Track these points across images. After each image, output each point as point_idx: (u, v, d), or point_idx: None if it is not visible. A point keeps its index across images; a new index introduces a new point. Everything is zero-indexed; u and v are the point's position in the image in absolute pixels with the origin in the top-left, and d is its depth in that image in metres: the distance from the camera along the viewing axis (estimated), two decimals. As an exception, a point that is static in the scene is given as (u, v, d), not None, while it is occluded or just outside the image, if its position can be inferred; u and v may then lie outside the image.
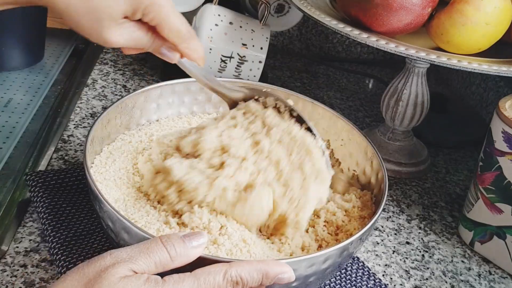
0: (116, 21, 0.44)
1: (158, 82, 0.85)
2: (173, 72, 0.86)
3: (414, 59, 0.65)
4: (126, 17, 0.45)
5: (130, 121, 0.59)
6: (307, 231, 0.51)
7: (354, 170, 0.59)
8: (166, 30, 0.47)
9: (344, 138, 0.61)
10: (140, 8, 0.45)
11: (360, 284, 0.54)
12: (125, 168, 0.53)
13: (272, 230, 0.49)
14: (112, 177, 0.51)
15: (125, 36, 0.46)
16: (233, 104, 0.55)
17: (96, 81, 0.82)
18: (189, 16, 0.82)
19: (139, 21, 0.46)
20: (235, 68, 0.78)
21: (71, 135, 0.69)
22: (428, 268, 0.59)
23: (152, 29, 0.47)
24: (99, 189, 0.43)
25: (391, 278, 0.57)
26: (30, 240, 0.53)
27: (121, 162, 0.53)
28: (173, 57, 0.50)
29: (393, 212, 0.67)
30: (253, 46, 0.77)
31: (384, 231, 0.63)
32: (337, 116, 0.61)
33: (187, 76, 0.60)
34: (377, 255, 0.59)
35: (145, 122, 0.61)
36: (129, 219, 0.42)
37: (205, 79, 0.54)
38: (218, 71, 0.78)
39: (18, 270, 0.49)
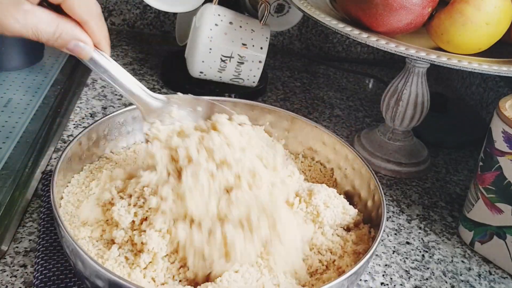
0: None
1: (158, 82, 0.86)
2: (173, 72, 0.86)
3: (414, 59, 0.65)
4: None
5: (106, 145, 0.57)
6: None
7: (356, 204, 0.56)
8: (77, 3, 0.42)
9: (347, 168, 0.58)
10: None
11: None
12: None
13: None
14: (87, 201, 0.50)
15: (30, 20, 0.40)
16: (147, 111, 0.49)
17: (96, 81, 0.82)
18: (189, 16, 0.82)
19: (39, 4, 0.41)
20: (235, 68, 0.78)
21: (71, 135, 0.69)
22: (428, 268, 0.59)
23: (59, 15, 0.42)
24: (69, 230, 0.42)
25: (391, 278, 0.57)
26: (30, 240, 0.53)
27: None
28: (87, 51, 0.44)
29: (393, 212, 0.67)
30: (253, 46, 0.77)
31: (384, 231, 0.63)
32: (342, 143, 0.59)
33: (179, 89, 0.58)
34: (377, 255, 0.59)
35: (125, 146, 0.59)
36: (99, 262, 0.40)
37: (120, 76, 0.47)
38: (218, 71, 0.78)
39: (18, 270, 0.49)
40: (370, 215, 0.54)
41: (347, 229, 0.53)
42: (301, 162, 0.62)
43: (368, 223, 0.54)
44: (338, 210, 0.52)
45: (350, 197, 0.57)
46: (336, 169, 0.60)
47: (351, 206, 0.54)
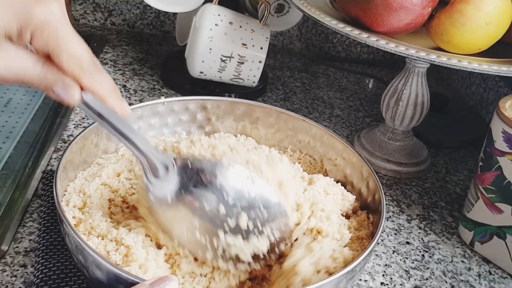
0: None
1: (158, 82, 0.86)
2: (173, 72, 0.86)
3: (414, 59, 0.65)
4: (9, 38, 0.35)
5: (108, 144, 0.56)
6: None
7: (350, 192, 0.56)
8: (65, 58, 0.36)
9: (337, 158, 0.59)
10: (29, 27, 0.34)
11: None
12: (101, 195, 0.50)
13: None
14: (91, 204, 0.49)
15: (12, 62, 0.34)
16: (155, 169, 0.43)
17: (96, 81, 0.82)
18: (189, 16, 0.82)
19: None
20: (235, 68, 0.78)
21: (71, 135, 0.69)
22: (428, 268, 0.59)
23: (45, 58, 0.36)
24: (74, 227, 0.42)
25: (391, 278, 0.57)
26: (30, 240, 0.53)
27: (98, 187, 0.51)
28: (70, 97, 0.37)
29: (393, 212, 0.67)
30: (253, 46, 0.77)
31: (384, 231, 0.63)
32: (330, 134, 0.59)
33: (179, 93, 0.58)
34: (377, 255, 0.59)
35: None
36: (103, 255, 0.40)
37: (123, 127, 0.41)
38: (218, 71, 0.78)
39: (18, 270, 0.49)
40: (366, 201, 0.54)
41: (347, 216, 0.54)
42: (290, 155, 0.62)
43: (364, 210, 0.54)
44: (337, 197, 0.53)
45: (342, 186, 0.57)
46: (325, 160, 0.60)
47: (349, 193, 0.54)
